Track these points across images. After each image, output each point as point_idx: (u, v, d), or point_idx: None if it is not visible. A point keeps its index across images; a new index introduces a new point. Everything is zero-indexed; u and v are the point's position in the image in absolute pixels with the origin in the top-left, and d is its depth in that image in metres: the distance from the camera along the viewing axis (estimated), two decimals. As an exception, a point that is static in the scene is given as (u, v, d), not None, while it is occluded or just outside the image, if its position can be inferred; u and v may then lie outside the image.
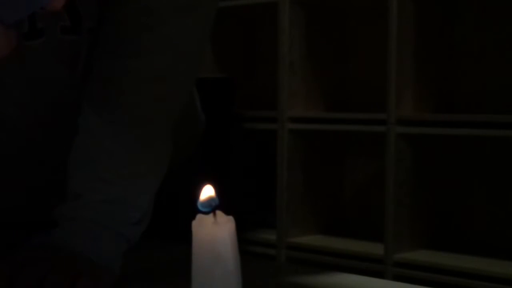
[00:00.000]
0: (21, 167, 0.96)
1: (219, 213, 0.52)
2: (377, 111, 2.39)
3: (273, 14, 2.59)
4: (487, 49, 2.40)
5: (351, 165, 2.71)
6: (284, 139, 2.56)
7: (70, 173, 0.85)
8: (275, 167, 2.60)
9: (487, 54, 2.41)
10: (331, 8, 2.63)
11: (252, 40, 2.96)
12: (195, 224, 0.51)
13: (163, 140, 0.89)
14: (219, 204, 0.52)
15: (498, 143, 2.35)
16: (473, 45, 2.42)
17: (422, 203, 2.38)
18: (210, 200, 0.52)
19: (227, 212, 0.53)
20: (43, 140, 0.93)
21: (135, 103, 0.85)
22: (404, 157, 2.32)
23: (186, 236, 0.52)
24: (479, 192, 2.44)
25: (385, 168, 2.33)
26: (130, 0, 0.84)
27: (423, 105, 2.36)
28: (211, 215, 0.51)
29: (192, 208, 0.52)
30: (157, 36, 0.84)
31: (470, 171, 2.45)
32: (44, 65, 0.87)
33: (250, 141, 2.80)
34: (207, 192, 0.52)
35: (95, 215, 0.82)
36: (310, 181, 2.61)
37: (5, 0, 0.50)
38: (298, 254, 2.56)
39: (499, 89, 2.38)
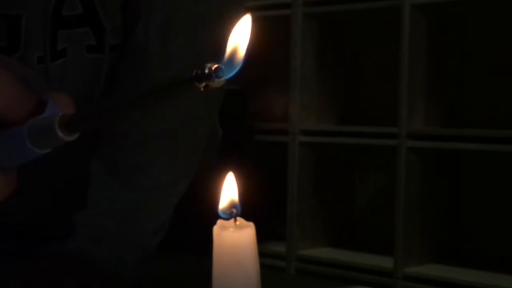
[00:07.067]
0: (45, 170, 0.97)
1: (239, 219, 0.52)
2: (389, 125, 2.39)
3: (286, 27, 2.59)
4: (498, 64, 2.41)
5: (361, 179, 2.71)
6: (295, 152, 2.57)
7: (91, 180, 0.85)
8: (285, 180, 2.60)
9: (499, 68, 2.41)
10: (343, 21, 2.64)
11: (265, 53, 2.97)
12: (216, 229, 0.52)
13: (189, 153, 0.88)
14: (240, 210, 0.53)
15: (509, 158, 2.35)
16: (484, 59, 2.42)
17: (432, 217, 2.38)
18: (231, 206, 0.52)
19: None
20: (66, 147, 0.94)
21: (160, 116, 0.85)
22: (415, 171, 2.32)
23: (200, 246, 0.53)
24: (489, 207, 2.43)
25: (395, 181, 2.33)
26: (154, 10, 0.84)
27: (434, 119, 2.36)
28: (231, 220, 0.52)
29: (209, 219, 0.53)
30: (185, 46, 0.84)
31: (480, 185, 2.44)
32: (66, 84, 0.87)
33: (261, 153, 2.80)
34: (229, 196, 0.53)
35: (112, 224, 0.82)
36: (320, 193, 2.62)
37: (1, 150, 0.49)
38: (307, 267, 2.56)
39: (511, 104, 2.38)
